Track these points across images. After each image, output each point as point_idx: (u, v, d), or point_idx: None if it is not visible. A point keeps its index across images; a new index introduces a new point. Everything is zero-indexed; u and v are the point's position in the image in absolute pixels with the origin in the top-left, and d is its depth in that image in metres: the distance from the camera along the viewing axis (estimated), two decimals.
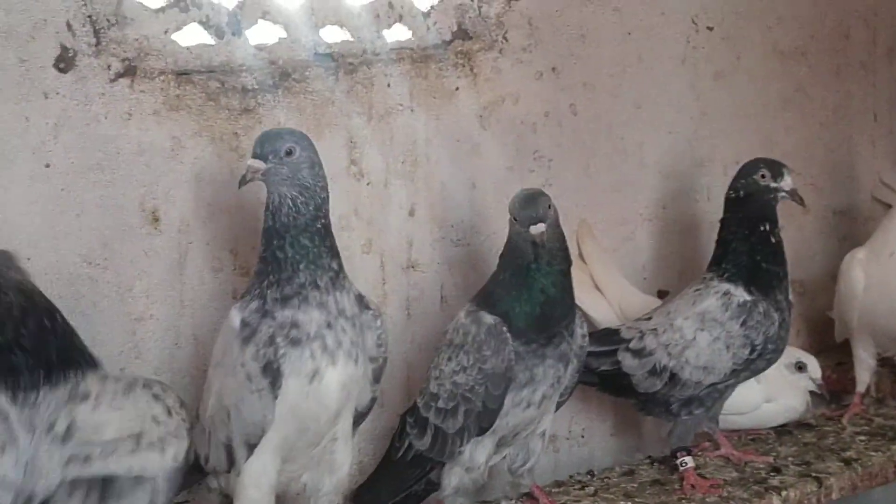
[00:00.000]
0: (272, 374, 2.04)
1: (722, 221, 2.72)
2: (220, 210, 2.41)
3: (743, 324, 2.61)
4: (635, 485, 2.69)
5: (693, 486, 2.64)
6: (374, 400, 2.25)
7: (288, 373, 2.04)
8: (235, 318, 2.09)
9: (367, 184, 2.61)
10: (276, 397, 2.05)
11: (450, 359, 2.34)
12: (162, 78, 2.33)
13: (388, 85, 2.63)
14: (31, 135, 2.19)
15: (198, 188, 2.37)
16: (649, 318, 2.70)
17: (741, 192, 2.67)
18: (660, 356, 2.64)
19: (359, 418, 2.24)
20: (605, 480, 2.74)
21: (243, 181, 2.10)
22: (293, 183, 2.07)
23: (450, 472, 2.39)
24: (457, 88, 2.73)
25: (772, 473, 2.73)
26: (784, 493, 2.62)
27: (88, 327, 2.25)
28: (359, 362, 2.11)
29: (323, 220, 2.10)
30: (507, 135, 2.82)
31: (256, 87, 2.45)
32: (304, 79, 2.51)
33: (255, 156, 2.08)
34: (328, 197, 2.14)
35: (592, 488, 2.68)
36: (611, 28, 2.99)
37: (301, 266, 2.06)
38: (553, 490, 2.63)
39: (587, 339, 2.44)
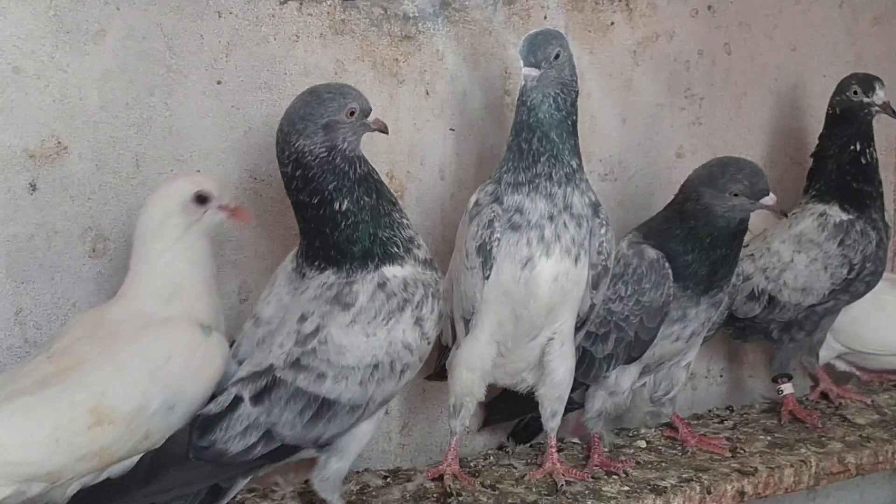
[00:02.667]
0: (484, 255, 2.12)
1: (819, 140, 2.71)
2: (378, 134, 2.47)
3: (840, 243, 2.60)
4: (775, 421, 2.71)
5: (791, 413, 2.66)
6: (593, 307, 2.25)
7: (502, 257, 2.11)
8: (472, 197, 2.20)
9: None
10: (486, 277, 2.12)
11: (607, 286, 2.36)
12: (328, 2, 2.40)
13: (545, 17, 2.66)
14: (205, 52, 2.29)
15: None
16: (746, 245, 2.62)
17: (837, 110, 2.66)
18: (757, 280, 2.65)
19: (579, 324, 2.27)
20: (745, 416, 2.76)
21: (524, 92, 2.14)
22: (557, 82, 2.14)
23: (594, 394, 2.44)
24: (612, 23, 2.75)
25: None
26: None
27: (252, 239, 2.36)
28: (579, 261, 2.14)
29: (574, 117, 2.17)
30: (659, 71, 2.84)
31: (417, 14, 2.51)
32: (463, 8, 2.56)
33: (528, 64, 2.13)
34: (578, 93, 2.19)
35: (731, 422, 2.71)
36: None
37: (542, 158, 2.12)
38: (692, 422, 2.66)
39: (741, 277, 2.46)
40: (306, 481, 2.11)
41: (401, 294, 1.94)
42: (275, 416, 1.89)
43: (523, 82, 2.13)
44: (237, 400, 1.89)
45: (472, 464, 2.42)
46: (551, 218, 2.11)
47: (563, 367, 2.24)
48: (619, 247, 2.39)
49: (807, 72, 3.07)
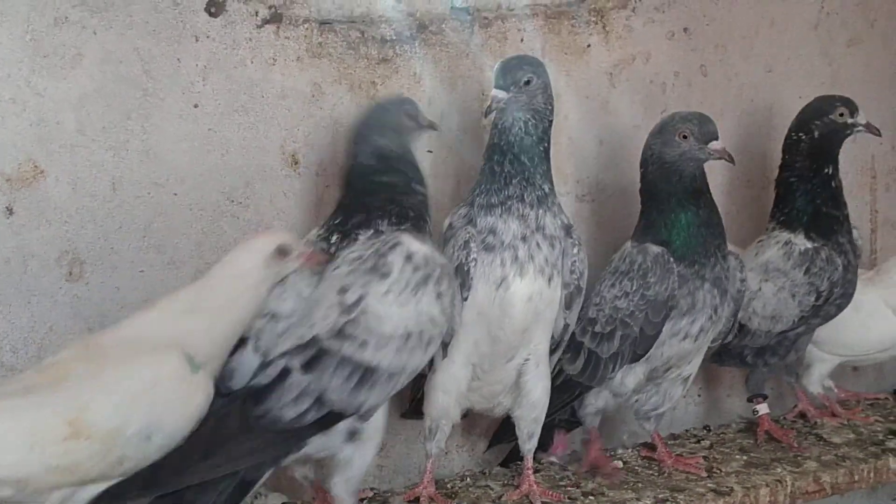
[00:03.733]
0: (462, 276, 2.17)
1: (781, 167, 2.72)
2: None
3: (806, 271, 2.62)
4: (751, 440, 2.72)
5: (767, 432, 2.67)
6: (567, 327, 2.30)
7: (477, 277, 2.16)
8: (446, 220, 2.26)
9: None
10: (464, 299, 2.18)
11: (613, 285, 2.40)
12: (306, 26, 2.42)
13: (522, 40, 2.68)
14: (182, 76, 2.30)
15: (336, 133, 2.46)
16: None
17: (815, 134, 2.66)
18: None
19: (554, 346, 2.32)
20: (721, 436, 2.78)
21: (488, 111, 2.22)
22: (528, 108, 2.20)
23: (597, 393, 2.46)
24: (588, 45, 2.77)
25: (889, 436, 2.74)
26: None
27: None
28: (552, 281, 2.20)
29: (546, 144, 2.24)
30: (636, 93, 2.86)
31: (395, 37, 2.53)
32: (440, 31, 2.58)
33: (497, 86, 2.20)
34: (553, 122, 2.26)
35: (708, 442, 2.72)
36: None
37: (514, 181, 2.19)
38: (669, 442, 2.67)
39: (745, 283, 2.49)
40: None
41: (424, 269, 2.02)
42: (324, 383, 1.96)
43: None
44: (286, 371, 1.96)
45: (448, 485, 2.43)
46: (524, 238, 2.16)
47: (539, 388, 2.27)
48: (624, 247, 2.45)
49: (783, 93, 3.08)
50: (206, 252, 2.31)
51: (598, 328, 2.39)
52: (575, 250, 2.22)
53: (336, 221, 2.14)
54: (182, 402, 1.89)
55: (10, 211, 2.14)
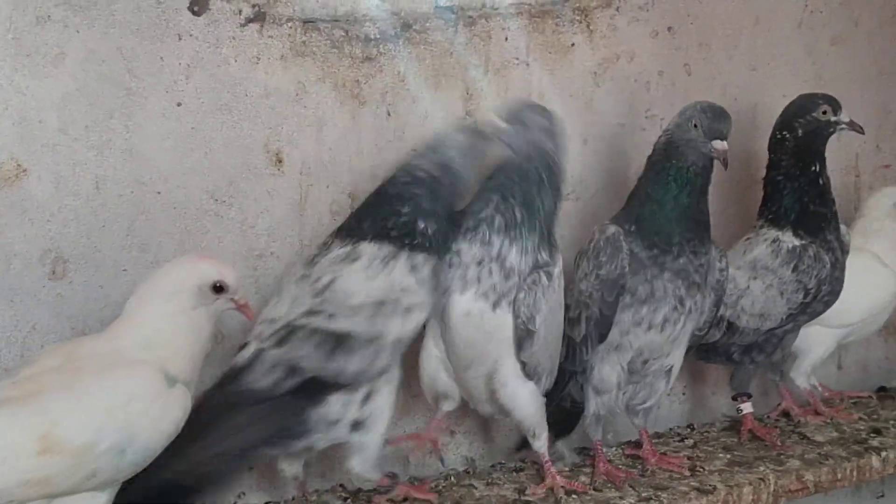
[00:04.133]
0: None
1: (768, 166, 2.72)
2: (340, 155, 2.49)
3: (794, 269, 2.63)
4: (735, 439, 2.73)
5: (750, 431, 2.68)
6: (524, 364, 2.30)
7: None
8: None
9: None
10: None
11: (578, 267, 2.45)
12: (289, 24, 2.42)
13: (506, 39, 2.68)
14: (165, 74, 2.29)
15: (319, 132, 2.46)
16: None
17: (798, 132, 2.66)
18: None
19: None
20: (705, 434, 2.78)
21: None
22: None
23: (587, 396, 2.49)
24: (572, 44, 2.78)
25: (872, 434, 2.75)
26: (884, 453, 2.64)
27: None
28: (498, 308, 2.24)
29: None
30: (620, 92, 2.86)
31: (379, 36, 2.53)
32: (424, 30, 2.58)
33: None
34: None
35: (692, 441, 2.73)
36: None
37: (490, 206, 2.27)
38: (653, 440, 2.67)
39: (725, 273, 2.49)
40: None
41: (395, 247, 2.13)
42: (295, 352, 2.05)
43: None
44: (259, 349, 2.06)
45: (433, 484, 2.43)
46: (480, 263, 2.23)
47: (520, 403, 2.33)
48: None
49: (767, 91, 3.09)
50: (189, 250, 2.30)
51: (570, 313, 2.42)
52: (528, 294, 2.25)
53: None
54: (158, 418, 1.88)
55: None
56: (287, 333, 2.07)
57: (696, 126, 2.37)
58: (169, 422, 1.89)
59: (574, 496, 2.36)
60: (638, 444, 2.59)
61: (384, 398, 2.17)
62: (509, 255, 2.24)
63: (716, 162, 2.40)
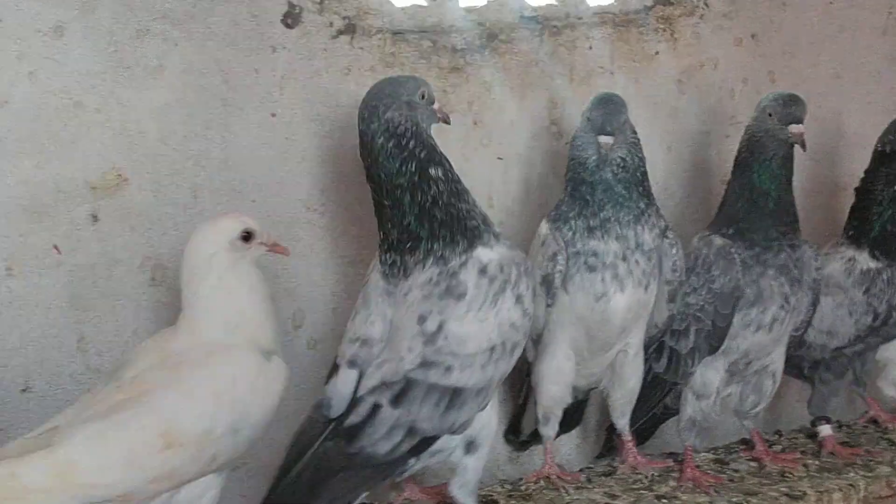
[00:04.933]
0: (547, 285, 2.30)
1: (864, 175, 2.67)
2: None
3: (866, 291, 2.60)
4: None
5: (832, 454, 2.65)
6: (671, 317, 2.42)
7: (575, 290, 2.28)
8: (542, 229, 2.35)
9: (566, 144, 2.68)
10: (548, 305, 2.32)
11: (678, 283, 2.43)
12: (379, 36, 2.46)
13: (590, 48, 2.71)
14: (260, 86, 2.35)
15: None
16: None
17: (888, 148, 2.61)
18: None
19: (658, 333, 2.45)
20: (793, 440, 2.76)
21: (602, 161, 2.28)
22: (624, 144, 2.30)
23: (684, 401, 2.50)
24: (657, 52, 2.79)
25: None
26: None
27: (305, 268, 2.42)
28: (648, 288, 2.31)
29: (642, 168, 2.33)
30: (704, 100, 2.88)
31: (465, 46, 2.56)
32: (510, 40, 2.61)
33: (603, 133, 2.27)
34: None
35: (780, 447, 2.71)
36: None
37: (608, 206, 2.28)
38: (740, 447, 2.66)
39: (821, 272, 2.49)
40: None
41: (500, 277, 2.02)
42: (414, 414, 1.98)
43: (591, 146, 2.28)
44: (376, 407, 1.99)
45: (522, 488, 2.44)
46: (624, 258, 2.27)
47: (634, 376, 2.42)
48: (692, 242, 2.47)
49: (850, 99, 3.09)
50: (283, 258, 2.35)
51: (675, 325, 2.43)
52: (673, 251, 2.33)
53: (387, 245, 2.08)
54: (262, 393, 1.95)
55: (95, 218, 2.20)
56: (403, 389, 1.99)
57: (770, 115, 2.39)
58: (273, 394, 1.97)
59: (664, 500, 2.37)
60: (750, 446, 2.61)
61: (492, 418, 2.13)
62: (643, 238, 2.28)
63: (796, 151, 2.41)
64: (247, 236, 2.01)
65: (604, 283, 2.27)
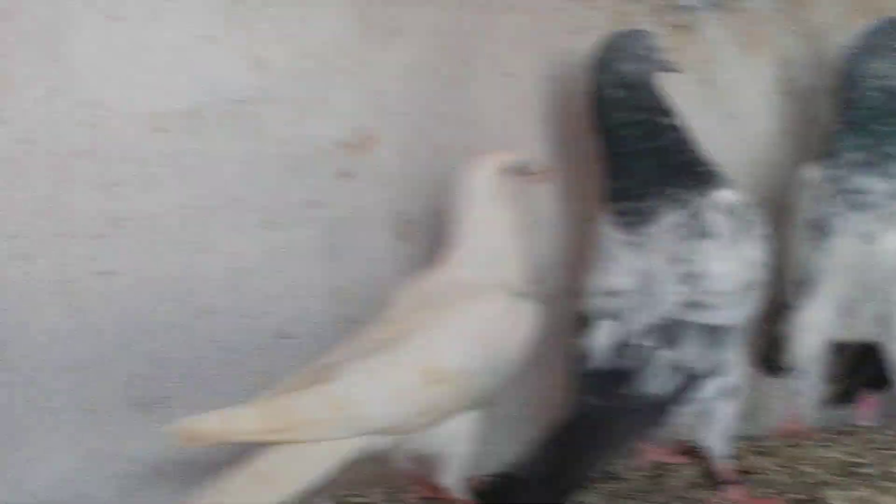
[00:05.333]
0: (819, 228, 2.30)
1: None
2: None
3: None
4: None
5: None
6: None
7: (840, 232, 2.26)
8: (807, 173, 2.34)
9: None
10: (813, 249, 2.31)
11: None
12: None
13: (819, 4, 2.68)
14: (495, 45, 2.42)
15: None
16: None
17: None
18: None
19: None
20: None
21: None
22: None
23: None
24: None
25: None
26: None
27: (537, 225, 2.46)
28: None
29: None
30: None
31: (695, 4, 2.58)
32: None
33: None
34: None
35: None
36: None
37: (887, 141, 2.27)
38: None
39: None
40: None
41: (744, 216, 2.08)
42: (687, 354, 2.02)
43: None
44: (649, 350, 2.03)
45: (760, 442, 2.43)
46: (893, 196, 2.23)
47: None
48: None
49: None
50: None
51: None
52: None
53: (620, 196, 2.14)
54: (514, 331, 2.04)
55: (348, 175, 2.30)
56: (673, 331, 2.04)
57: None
58: (525, 334, 2.05)
59: None
60: None
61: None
62: None
63: None
64: (518, 169, 2.12)
65: (875, 222, 2.24)
